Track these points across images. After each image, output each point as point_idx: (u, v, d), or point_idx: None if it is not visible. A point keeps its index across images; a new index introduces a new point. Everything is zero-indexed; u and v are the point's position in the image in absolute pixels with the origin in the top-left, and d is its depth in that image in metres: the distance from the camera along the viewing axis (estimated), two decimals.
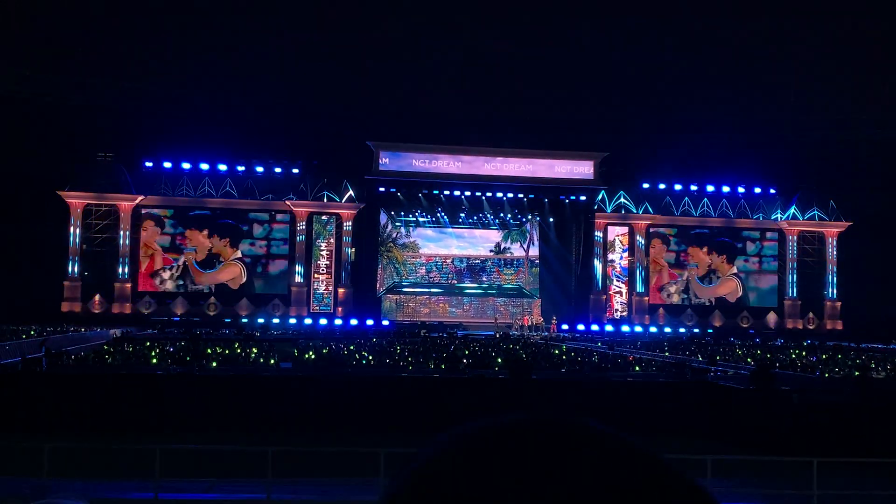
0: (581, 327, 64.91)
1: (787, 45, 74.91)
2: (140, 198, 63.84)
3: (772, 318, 69.53)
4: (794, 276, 70.02)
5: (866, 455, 19.60)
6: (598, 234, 69.07)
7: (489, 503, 0.77)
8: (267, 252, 66.78)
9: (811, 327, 68.41)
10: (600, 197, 68.34)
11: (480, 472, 0.81)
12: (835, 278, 69.64)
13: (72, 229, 62.74)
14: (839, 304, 69.12)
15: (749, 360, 40.81)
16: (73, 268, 62.70)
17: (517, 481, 0.77)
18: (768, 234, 71.05)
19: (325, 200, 66.18)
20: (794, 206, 69.89)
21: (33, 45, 66.83)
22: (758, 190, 70.57)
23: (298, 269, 66.05)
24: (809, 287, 69.81)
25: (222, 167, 65.38)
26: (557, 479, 0.78)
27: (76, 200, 62.87)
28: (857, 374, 32.48)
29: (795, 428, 25.00)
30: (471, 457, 0.83)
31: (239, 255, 66.26)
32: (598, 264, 69.19)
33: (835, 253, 69.73)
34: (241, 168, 65.68)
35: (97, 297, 62.56)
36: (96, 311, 61.98)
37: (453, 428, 0.89)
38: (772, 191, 70.55)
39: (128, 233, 63.68)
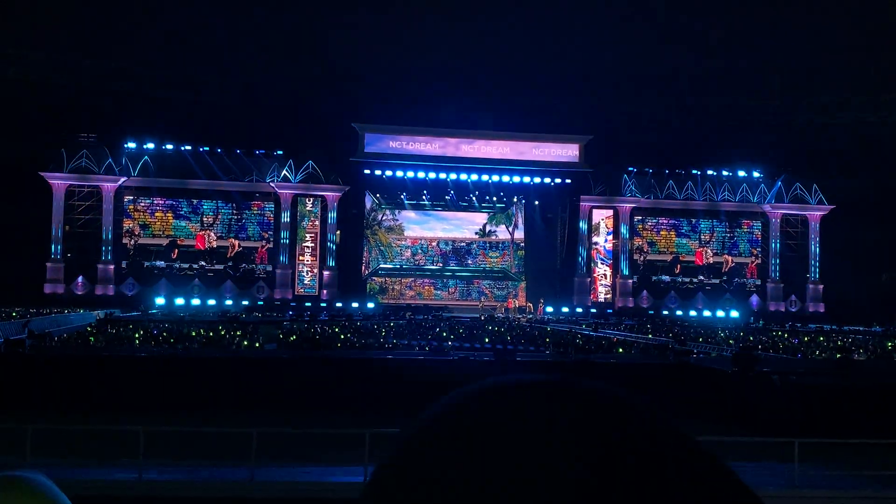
0: (566, 309, 65.06)
1: (772, 28, 74.96)
2: (123, 179, 63.39)
3: (754, 300, 69.96)
4: (777, 258, 70.41)
5: (847, 436, 19.78)
6: (583, 217, 69.21)
7: (496, 464, 0.75)
8: (251, 234, 66.47)
9: (793, 310, 68.84)
10: (585, 180, 68.41)
11: (485, 430, 0.77)
12: (817, 261, 70.07)
13: (54, 211, 62.28)
14: (821, 286, 69.57)
15: (731, 342, 41.08)
16: (56, 249, 62.30)
17: (523, 440, 0.75)
18: (752, 217, 71.37)
19: (310, 182, 65.94)
20: (777, 190, 70.21)
21: (14, 23, 66.04)
22: (742, 173, 70.83)
23: (283, 251, 65.85)
24: (792, 270, 70.21)
25: (206, 148, 64.97)
26: (568, 440, 0.75)
27: (58, 182, 62.40)
28: (838, 356, 32.77)
29: (777, 409, 25.21)
30: (475, 414, 0.80)
31: (222, 236, 66.04)
32: (582, 247, 69.35)
33: (818, 236, 70.14)
34: (224, 150, 65.25)
35: (80, 279, 62.22)
36: (80, 293, 61.65)
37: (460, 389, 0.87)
38: (756, 174, 70.80)
39: (111, 214, 63.27)
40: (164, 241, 65.95)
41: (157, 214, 66.47)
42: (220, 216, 66.98)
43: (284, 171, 65.24)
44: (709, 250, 71.24)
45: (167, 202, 66.30)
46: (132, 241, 65.31)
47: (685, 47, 74.52)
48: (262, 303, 63.31)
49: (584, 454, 0.71)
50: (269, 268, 66.11)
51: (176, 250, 66.00)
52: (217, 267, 66.04)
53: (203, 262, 65.99)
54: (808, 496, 17.57)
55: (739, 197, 70.71)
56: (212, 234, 66.55)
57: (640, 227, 70.70)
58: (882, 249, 64.28)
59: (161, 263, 65.49)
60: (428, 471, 0.75)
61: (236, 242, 66.84)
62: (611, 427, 0.75)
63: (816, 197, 69.78)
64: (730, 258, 71.43)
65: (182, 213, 66.78)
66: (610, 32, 74.89)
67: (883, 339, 46.15)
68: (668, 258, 71.28)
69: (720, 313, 66.22)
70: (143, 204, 66.02)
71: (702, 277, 70.84)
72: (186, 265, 65.84)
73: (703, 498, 0.75)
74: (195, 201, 66.39)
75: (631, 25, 76.04)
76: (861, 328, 55.43)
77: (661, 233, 71.75)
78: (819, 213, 69.93)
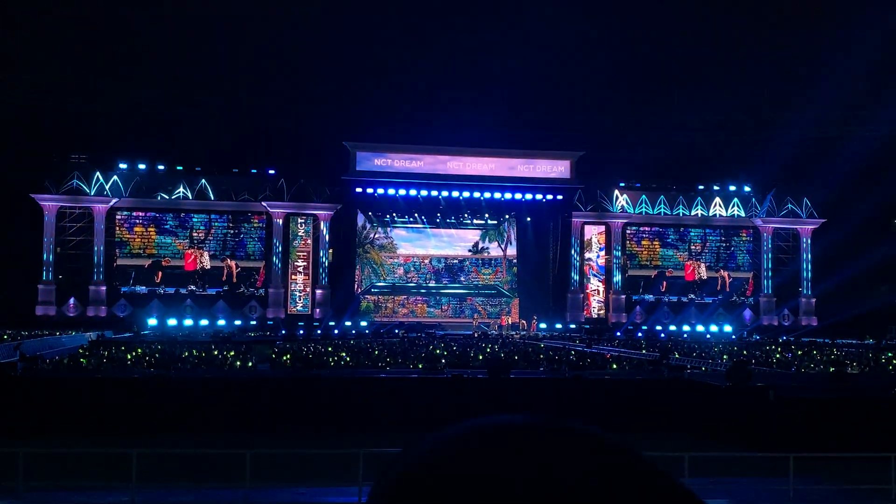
0: (559, 326, 65.03)
1: (764, 45, 75.42)
2: (114, 200, 63.28)
3: (747, 314, 70.00)
4: (770, 272, 70.54)
5: (842, 450, 19.78)
6: (575, 233, 69.33)
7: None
8: (251, 251, 66.24)
9: (786, 324, 68.93)
10: (577, 196, 68.57)
11: (468, 475, 0.81)
12: (809, 275, 70.23)
13: (46, 232, 62.13)
14: (814, 300, 69.70)
15: (725, 356, 41.07)
16: (48, 271, 62.10)
17: (504, 484, 0.79)
18: (743, 232, 71.50)
19: (302, 202, 65.92)
20: (768, 204, 70.45)
21: (3, 45, 66.03)
22: (733, 188, 71.08)
23: (275, 270, 65.70)
24: (784, 284, 70.33)
25: (198, 168, 64.94)
26: (544, 482, 0.79)
27: (50, 203, 62.27)
28: (832, 370, 32.76)
29: (771, 424, 25.18)
30: (459, 458, 0.84)
31: (214, 257, 65.78)
32: (575, 263, 69.42)
33: (809, 250, 70.33)
34: (216, 170, 65.21)
35: (72, 301, 62.00)
36: (71, 315, 61.43)
37: (441, 428, 0.90)
38: (747, 189, 71.05)
39: (102, 236, 63.09)
40: (146, 262, 64.67)
41: (136, 230, 64.80)
42: (213, 231, 65.89)
43: (277, 189, 65.18)
44: (702, 265, 71.08)
45: (148, 215, 64.72)
46: (113, 263, 63.68)
47: (676, 63, 74.89)
48: (254, 322, 63.14)
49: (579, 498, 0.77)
50: (262, 290, 65.90)
51: (160, 273, 64.56)
52: (210, 292, 64.95)
53: (193, 287, 64.82)
54: None
55: (730, 212, 70.86)
56: (204, 253, 65.67)
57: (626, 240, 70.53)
58: (874, 262, 64.42)
59: (142, 289, 64.27)
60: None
61: (234, 264, 65.83)
62: (608, 473, 0.80)
63: (807, 211, 70.02)
64: (726, 273, 71.20)
65: (167, 227, 65.20)
66: (600, 49, 75.19)
67: (876, 352, 46.23)
68: (653, 273, 70.88)
69: (713, 328, 66.21)
70: (119, 217, 64.35)
71: (693, 296, 70.43)
72: (172, 290, 64.35)
73: None
74: (182, 214, 65.16)
75: (621, 42, 76.38)
76: (854, 341, 55.52)
77: (643, 243, 71.29)
78: (810, 226, 70.15)
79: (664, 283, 70.17)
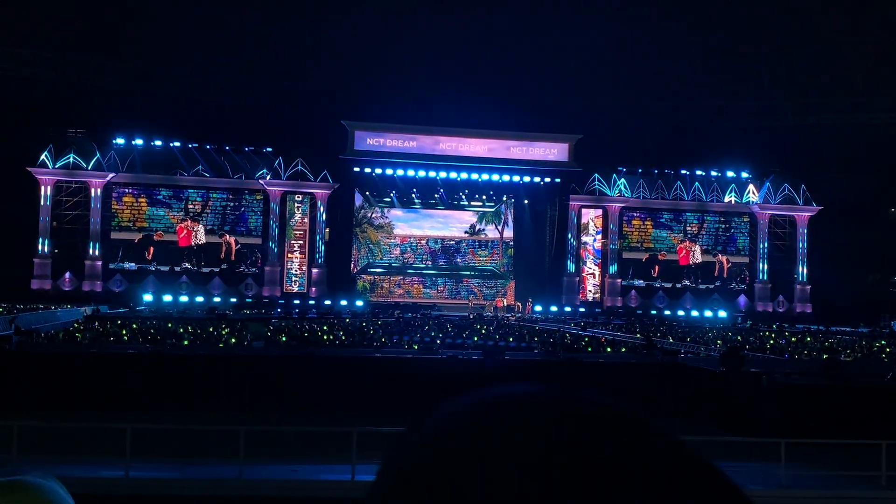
0: (554, 308, 65.09)
1: (762, 30, 75.21)
2: (111, 175, 63.06)
3: (742, 300, 70.09)
4: (765, 259, 70.57)
5: (834, 436, 19.88)
6: (573, 215, 69.27)
7: (493, 480, 0.77)
8: (240, 231, 66.08)
9: (781, 310, 69.04)
10: (574, 179, 68.49)
11: (485, 447, 0.79)
12: (805, 262, 70.26)
13: (42, 206, 61.98)
14: (809, 287, 69.80)
15: (719, 341, 41.19)
16: (44, 245, 61.99)
17: (523, 456, 0.77)
18: (740, 218, 71.36)
19: (299, 180, 65.79)
20: (766, 190, 70.41)
21: (1, 18, 65.66)
22: (731, 174, 70.97)
23: (272, 248, 65.66)
24: (780, 270, 70.40)
25: (195, 145, 64.71)
26: (563, 453, 0.77)
27: (46, 177, 62.07)
28: (825, 356, 32.87)
29: (764, 409, 25.29)
30: (475, 430, 0.82)
31: (213, 229, 65.60)
32: (571, 246, 69.43)
33: (805, 237, 70.33)
34: (213, 146, 64.98)
35: (68, 275, 61.91)
36: (67, 289, 61.36)
37: (448, 402, 0.89)
38: (744, 174, 70.96)
39: (99, 210, 62.93)
40: (136, 237, 64.18)
41: (125, 200, 64.06)
42: (210, 203, 65.20)
43: (275, 167, 65.04)
44: (696, 248, 70.94)
45: (141, 186, 63.81)
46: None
47: (675, 47, 74.68)
48: (250, 300, 63.14)
49: (587, 468, 0.75)
50: (259, 265, 65.83)
51: (151, 248, 64.03)
52: (205, 270, 64.44)
53: (188, 265, 64.40)
54: (794, 496, 17.64)
55: (728, 197, 70.81)
56: (199, 227, 65.22)
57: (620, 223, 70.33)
58: (869, 250, 64.54)
59: (131, 266, 63.81)
60: (433, 478, 0.78)
61: (233, 240, 65.49)
62: (614, 442, 0.78)
63: (804, 197, 69.98)
64: (724, 258, 71.05)
65: (159, 198, 64.30)
66: (600, 32, 74.95)
67: (870, 339, 46.38)
68: (644, 256, 70.44)
69: (708, 313, 66.31)
70: (115, 193, 63.46)
71: (687, 283, 70.34)
72: (166, 268, 63.74)
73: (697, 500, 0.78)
74: (178, 190, 64.51)
75: (621, 26, 76.13)
76: (848, 329, 55.68)
77: (634, 223, 70.79)
78: (807, 213, 70.11)
79: (656, 266, 70.04)
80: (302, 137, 64.74)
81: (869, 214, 65.35)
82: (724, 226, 71.11)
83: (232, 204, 65.58)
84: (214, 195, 65.23)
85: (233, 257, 65.17)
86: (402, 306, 62.48)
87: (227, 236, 65.28)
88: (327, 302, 62.77)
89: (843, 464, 18.92)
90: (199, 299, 61.73)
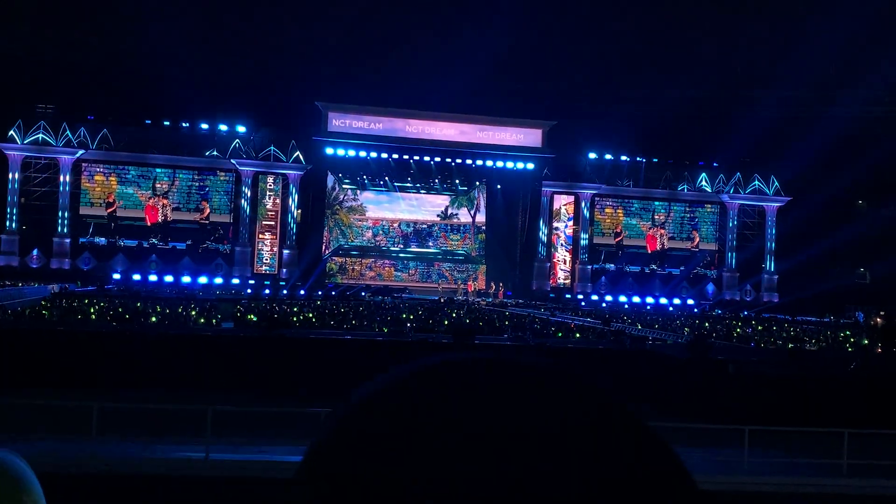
0: (525, 294, 65.33)
1: (735, 20, 75.54)
2: (81, 152, 62.40)
3: (710, 288, 70.85)
4: (734, 248, 71.32)
5: (797, 424, 20.15)
6: (545, 202, 69.54)
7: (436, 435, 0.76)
8: (210, 211, 65.73)
9: (748, 299, 69.82)
10: (547, 165, 68.70)
11: (429, 406, 0.79)
12: (773, 252, 71.05)
13: (10, 182, 61.21)
14: (776, 277, 70.61)
15: (686, 329, 41.57)
16: (11, 221, 61.27)
17: (459, 413, 0.76)
18: (709, 207, 72.08)
19: (271, 161, 65.44)
20: (735, 180, 71.04)
21: None
22: (701, 163, 71.53)
23: (242, 229, 65.32)
24: (748, 260, 71.16)
25: (167, 123, 64.12)
26: (503, 412, 0.77)
27: (15, 153, 61.29)
28: (790, 346, 33.27)
29: (730, 397, 25.57)
30: (422, 390, 0.82)
31: (179, 207, 65.19)
32: (543, 232, 69.72)
33: (774, 227, 71.11)
34: (185, 124, 64.45)
35: (35, 252, 61.26)
36: (35, 266, 60.72)
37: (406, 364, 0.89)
38: (714, 164, 71.53)
39: (68, 187, 62.28)
40: (105, 212, 63.90)
41: (97, 178, 64.14)
42: (177, 183, 65.24)
43: (246, 148, 64.62)
44: (664, 234, 71.58)
45: (109, 165, 63.98)
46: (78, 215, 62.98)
47: (649, 36, 74.86)
48: (220, 280, 62.82)
49: (524, 426, 0.74)
50: (229, 246, 65.53)
51: (114, 223, 63.86)
52: (177, 246, 64.53)
53: (154, 241, 64.35)
54: (756, 483, 17.89)
55: (698, 186, 71.42)
56: (167, 203, 65.01)
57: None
58: (836, 242, 65.28)
59: (101, 240, 63.58)
60: (362, 448, 0.77)
61: (206, 206, 65.28)
62: (553, 400, 0.77)
63: (774, 188, 70.68)
64: (691, 245, 71.88)
65: (128, 177, 64.60)
66: (575, 18, 74.94)
67: (835, 329, 47.01)
68: (614, 242, 71.32)
69: (676, 301, 66.92)
70: (85, 171, 63.55)
71: (654, 267, 71.12)
72: (134, 242, 63.73)
73: (644, 475, 0.77)
74: (146, 168, 64.53)
75: (596, 12, 76.13)
76: (814, 319, 56.40)
77: (607, 210, 71.71)
78: (776, 204, 70.89)
79: (621, 251, 70.74)
80: (275, 118, 64.34)
81: (838, 206, 66.05)
82: (690, 214, 71.86)
83: (198, 183, 65.19)
84: (181, 175, 64.79)
85: (207, 221, 64.98)
86: (373, 289, 62.46)
87: (203, 202, 65.18)
88: (298, 283, 62.35)
89: (806, 451, 19.19)
90: (169, 279, 61.37)
